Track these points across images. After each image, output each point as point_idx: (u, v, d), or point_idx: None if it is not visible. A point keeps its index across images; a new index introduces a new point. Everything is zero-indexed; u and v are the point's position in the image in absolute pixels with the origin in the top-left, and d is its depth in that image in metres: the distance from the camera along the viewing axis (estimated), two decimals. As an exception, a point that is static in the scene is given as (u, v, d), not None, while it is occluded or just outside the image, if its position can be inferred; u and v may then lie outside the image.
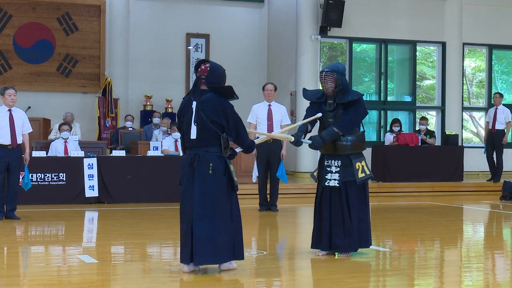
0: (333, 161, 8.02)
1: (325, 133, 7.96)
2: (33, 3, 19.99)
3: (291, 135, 8.05)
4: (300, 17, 19.55)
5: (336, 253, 8.03)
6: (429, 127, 18.67)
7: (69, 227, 11.04)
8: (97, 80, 20.33)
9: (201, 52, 21.46)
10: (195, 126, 6.95)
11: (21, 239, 9.83)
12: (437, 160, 17.62)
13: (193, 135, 6.97)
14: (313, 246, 8.22)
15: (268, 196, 12.99)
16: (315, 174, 8.28)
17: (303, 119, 8.20)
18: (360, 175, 7.97)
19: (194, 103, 7.00)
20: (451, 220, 12.36)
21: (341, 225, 7.93)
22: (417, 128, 18.93)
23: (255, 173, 12.78)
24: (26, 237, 10.03)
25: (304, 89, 8.42)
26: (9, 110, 11.38)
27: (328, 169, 8.03)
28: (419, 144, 17.66)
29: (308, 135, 8.17)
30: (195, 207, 6.87)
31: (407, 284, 6.75)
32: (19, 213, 11.54)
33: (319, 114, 8.07)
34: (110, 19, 20.51)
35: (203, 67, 7.10)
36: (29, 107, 18.52)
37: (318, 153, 19.60)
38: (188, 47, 21.37)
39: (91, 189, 13.97)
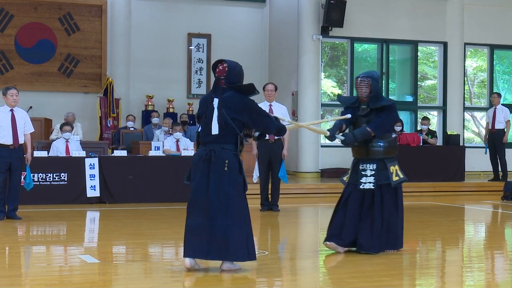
0: (368, 164, 8.20)
1: (357, 131, 8.15)
2: (35, 3, 20.00)
3: (326, 130, 8.27)
4: (301, 17, 19.55)
5: (360, 252, 8.12)
6: (430, 127, 18.67)
7: (70, 227, 11.05)
8: (98, 80, 20.34)
9: (203, 52, 21.47)
10: (217, 124, 6.98)
11: (22, 239, 9.84)
12: (439, 160, 17.62)
13: (215, 131, 7.00)
14: (328, 239, 8.30)
15: (269, 196, 12.98)
16: (345, 178, 8.47)
17: (342, 113, 8.48)
18: (395, 178, 8.15)
19: (216, 100, 7.05)
20: (453, 220, 12.36)
21: (370, 226, 8.07)
22: (418, 128, 18.94)
23: (256, 173, 12.78)
24: (27, 237, 10.04)
25: (339, 95, 8.68)
26: (11, 110, 11.39)
27: (363, 172, 8.20)
28: (421, 144, 17.66)
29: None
30: (211, 204, 6.89)
31: (409, 284, 6.75)
32: (20, 213, 11.54)
33: (348, 115, 8.25)
34: (112, 19, 20.52)
35: (220, 67, 7.16)
36: (31, 107, 18.52)
37: (319, 153, 19.68)
38: (190, 47, 21.38)
39: (92, 189, 13.98)
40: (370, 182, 8.14)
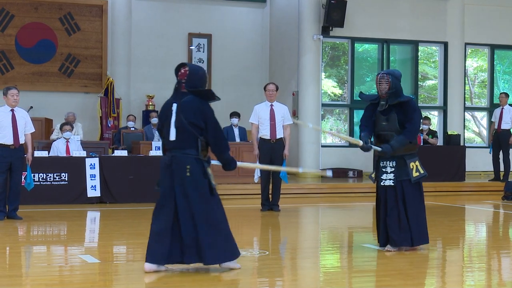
0: (388, 162, 8.32)
1: (394, 142, 8.23)
2: (35, 3, 20.00)
3: (360, 140, 8.35)
4: (302, 17, 19.55)
5: (394, 248, 8.22)
6: (431, 127, 18.66)
7: (71, 227, 11.05)
8: (99, 80, 20.35)
9: (203, 52, 21.47)
10: (175, 128, 6.94)
11: (23, 239, 9.84)
12: (439, 160, 17.60)
13: (172, 136, 6.97)
14: (382, 245, 8.43)
15: (270, 196, 12.97)
16: (373, 175, 8.56)
17: (362, 118, 8.57)
18: (415, 174, 8.28)
19: (175, 105, 7.00)
20: (453, 220, 12.36)
21: (397, 221, 8.21)
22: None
23: (257, 173, 12.78)
24: (28, 237, 10.04)
25: (360, 92, 8.85)
26: (12, 110, 11.39)
27: (384, 169, 8.34)
28: (421, 144, 17.64)
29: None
30: (178, 210, 6.87)
31: (410, 284, 6.75)
32: (21, 213, 11.54)
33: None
34: (112, 19, 20.52)
35: (182, 70, 7.08)
36: (31, 107, 18.51)
37: (320, 153, 19.67)
38: (190, 47, 21.38)
39: (93, 189, 13.98)
40: (390, 179, 8.28)
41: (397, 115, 8.28)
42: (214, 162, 7.19)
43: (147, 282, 6.75)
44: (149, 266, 6.96)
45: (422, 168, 8.35)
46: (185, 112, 6.90)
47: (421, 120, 8.60)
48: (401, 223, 8.18)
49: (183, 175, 6.87)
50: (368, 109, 8.55)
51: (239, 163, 7.40)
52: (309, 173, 7.16)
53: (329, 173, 8.42)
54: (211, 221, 6.90)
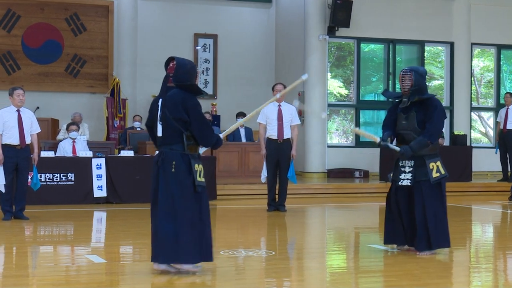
0: (407, 161, 8.15)
1: (414, 143, 8.07)
2: (41, 3, 20.04)
3: (377, 137, 8.23)
4: (308, 17, 19.54)
5: (417, 253, 8.11)
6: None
7: (77, 227, 11.05)
8: (105, 81, 20.37)
9: (209, 52, 21.47)
10: (160, 124, 6.91)
11: (30, 239, 9.85)
12: (446, 161, 17.24)
13: (159, 132, 6.93)
14: (386, 242, 8.34)
15: (276, 196, 12.96)
16: (391, 175, 8.39)
17: (384, 118, 8.47)
18: (435, 174, 8.10)
19: (160, 101, 6.96)
20: (460, 221, 12.33)
21: (414, 224, 8.06)
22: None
23: (263, 173, 12.75)
24: (35, 237, 10.05)
25: (385, 90, 8.64)
26: (18, 110, 11.39)
27: (402, 169, 8.18)
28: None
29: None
30: (159, 206, 6.84)
31: (416, 285, 6.73)
32: (28, 213, 11.55)
33: (305, 76, 8.04)
34: (118, 20, 20.54)
35: (171, 64, 7.02)
36: (38, 108, 18.55)
37: (326, 154, 19.66)
38: (196, 47, 21.39)
39: (99, 189, 13.99)
40: (408, 179, 8.10)
41: (418, 114, 8.11)
42: (202, 150, 7.10)
43: (154, 282, 6.74)
44: (155, 265, 6.98)
45: (443, 169, 8.17)
46: (168, 106, 6.84)
47: (443, 120, 8.32)
48: (418, 226, 8.02)
49: (168, 171, 6.82)
50: (390, 109, 8.42)
51: (221, 135, 7.27)
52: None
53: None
54: (191, 220, 6.80)
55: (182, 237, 6.75)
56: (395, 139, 8.39)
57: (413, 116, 8.12)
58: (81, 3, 20.36)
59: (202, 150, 7.14)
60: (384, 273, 7.31)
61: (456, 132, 19.34)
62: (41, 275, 7.17)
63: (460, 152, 18.04)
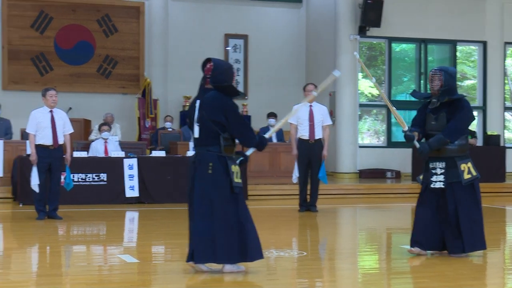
0: (437, 163, 8.02)
1: (432, 140, 7.97)
2: (73, 5, 20.19)
3: (407, 125, 8.10)
4: (338, 17, 19.49)
5: (450, 254, 8.02)
6: (470, 128, 18.46)
7: (110, 227, 11.12)
8: (136, 81, 20.47)
9: (240, 52, 21.50)
10: (197, 125, 6.92)
11: (63, 239, 9.92)
12: (479, 161, 17.21)
13: (196, 133, 6.95)
14: (412, 245, 8.16)
15: (308, 196, 12.94)
16: (420, 177, 8.25)
17: (413, 118, 8.32)
18: (466, 176, 7.96)
19: (198, 102, 6.98)
20: (494, 222, 12.21)
21: (448, 227, 7.93)
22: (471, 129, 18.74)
23: (295, 173, 12.73)
24: (68, 237, 10.12)
25: (414, 90, 8.52)
26: (51, 111, 11.48)
27: (433, 171, 8.03)
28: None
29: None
30: (195, 207, 6.86)
31: (449, 286, 6.68)
32: (61, 213, 11.64)
33: (337, 72, 7.95)
34: (149, 21, 20.64)
35: (208, 66, 7.02)
36: (70, 108, 18.68)
37: (358, 154, 19.60)
38: (227, 48, 21.42)
39: (131, 189, 14.06)
40: (440, 181, 7.95)
41: (448, 115, 7.98)
42: (249, 152, 7.15)
43: (186, 282, 6.76)
44: (196, 266, 7.01)
45: (474, 170, 8.01)
46: (206, 109, 6.86)
47: (472, 122, 8.12)
48: (452, 229, 7.90)
49: (205, 172, 6.84)
50: (420, 109, 8.28)
51: (266, 135, 7.29)
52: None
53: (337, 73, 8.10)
54: (229, 221, 6.83)
55: (219, 237, 6.77)
56: (424, 138, 8.27)
57: (443, 117, 8.01)
58: (113, 4, 20.49)
59: (249, 151, 7.17)
60: (416, 274, 7.27)
61: (489, 132, 19.18)
62: (74, 274, 7.22)
63: (493, 153, 17.88)
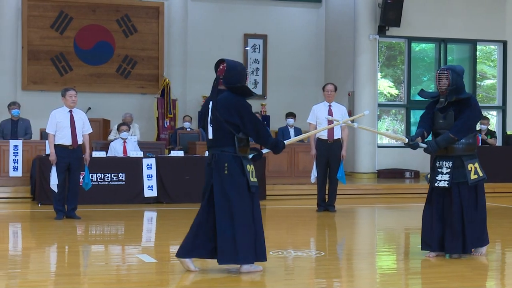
0: (444, 162, 7.95)
1: (440, 139, 7.90)
2: (93, 5, 20.27)
3: (406, 137, 8.00)
4: (358, 17, 19.45)
5: (446, 255, 7.95)
6: (489, 127, 18.39)
7: (128, 227, 11.16)
8: (155, 81, 20.52)
9: (259, 52, 21.49)
10: (211, 126, 6.94)
11: (81, 238, 9.96)
12: (498, 161, 17.32)
13: (210, 135, 6.98)
14: (424, 248, 8.12)
15: (326, 196, 12.92)
16: (428, 176, 8.18)
17: (421, 116, 8.24)
18: (473, 176, 7.88)
19: (211, 103, 6.99)
20: (513, 222, 12.17)
21: (450, 227, 7.86)
22: (477, 128, 18.67)
23: (313, 173, 12.71)
24: (86, 236, 10.16)
25: (421, 89, 8.42)
26: (70, 111, 11.53)
27: (439, 170, 7.97)
28: (480, 144, 17.40)
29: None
30: (216, 208, 6.87)
31: (468, 287, 6.65)
32: (79, 213, 11.69)
33: (367, 112, 8.04)
34: (169, 21, 20.68)
35: (221, 66, 7.04)
36: (89, 108, 18.76)
37: (376, 154, 19.54)
38: (246, 48, 21.42)
39: (150, 189, 14.09)
40: (445, 180, 7.88)
41: (455, 113, 7.90)
42: (265, 150, 7.18)
43: (204, 282, 6.76)
44: (190, 264, 7.05)
45: (481, 171, 7.92)
46: (220, 109, 6.88)
47: (479, 120, 8.02)
48: (454, 229, 7.81)
49: (221, 173, 6.86)
50: (428, 107, 8.19)
51: (286, 141, 7.31)
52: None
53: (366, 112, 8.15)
54: (248, 220, 6.86)
55: (240, 237, 6.80)
56: (433, 138, 8.19)
57: (451, 116, 7.92)
58: (132, 5, 20.56)
59: (265, 150, 7.19)
60: (435, 274, 7.23)
61: (509, 132, 19.08)
62: (93, 274, 7.25)
63: (513, 153, 17.78)
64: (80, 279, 6.98)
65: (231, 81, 6.94)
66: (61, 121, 11.40)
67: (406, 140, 7.93)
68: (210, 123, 6.96)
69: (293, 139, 7.72)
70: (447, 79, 7.91)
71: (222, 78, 6.97)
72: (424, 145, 7.95)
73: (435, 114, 8.07)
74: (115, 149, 14.59)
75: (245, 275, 6.87)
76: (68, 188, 11.55)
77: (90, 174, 12.32)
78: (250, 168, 6.93)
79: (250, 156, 7.04)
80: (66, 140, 11.40)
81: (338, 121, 9.17)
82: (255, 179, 6.96)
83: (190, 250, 6.96)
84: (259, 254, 6.94)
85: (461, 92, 7.94)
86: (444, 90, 7.94)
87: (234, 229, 6.80)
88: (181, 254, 7.01)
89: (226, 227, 6.82)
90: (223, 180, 6.85)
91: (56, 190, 11.41)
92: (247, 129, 6.87)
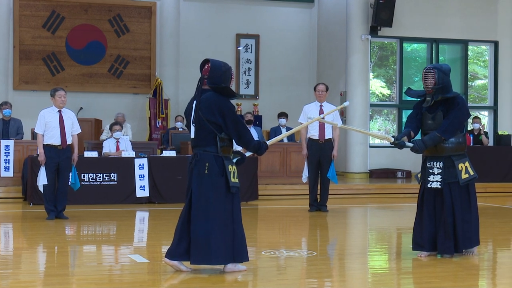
0: (435, 162, 7.94)
1: (427, 138, 7.89)
2: (85, 5, 20.23)
3: (391, 136, 7.98)
4: (350, 17, 19.46)
5: (438, 255, 7.95)
6: (482, 128, 18.45)
7: (120, 227, 11.14)
8: (148, 81, 20.50)
9: (251, 52, 21.49)
10: (194, 126, 6.95)
11: (73, 239, 9.94)
12: (490, 161, 17.37)
13: (192, 134, 6.99)
14: (415, 248, 8.11)
15: (318, 196, 12.93)
16: (419, 176, 8.19)
17: (408, 115, 8.23)
18: (464, 175, 7.88)
19: (195, 102, 7.00)
20: (504, 222, 12.19)
21: (443, 228, 7.85)
22: (469, 128, 18.72)
23: (305, 173, 12.73)
24: (78, 237, 10.14)
25: (409, 88, 8.38)
26: (59, 111, 11.50)
27: (431, 170, 7.96)
28: (471, 144, 17.45)
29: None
30: (192, 208, 6.88)
31: (460, 286, 6.67)
32: (71, 213, 11.67)
33: (346, 103, 8.07)
34: (161, 21, 20.67)
35: (206, 66, 7.04)
36: (81, 108, 18.74)
37: (368, 154, 19.55)
38: (238, 48, 21.42)
39: (142, 189, 14.07)
40: (437, 181, 7.88)
41: (443, 113, 7.89)
42: (248, 153, 7.19)
43: (195, 282, 6.76)
44: (165, 260, 7.07)
45: (472, 170, 7.92)
46: (202, 109, 6.89)
47: (467, 119, 7.98)
48: (446, 229, 7.81)
49: (202, 172, 6.87)
50: (415, 107, 8.17)
51: (269, 142, 7.32)
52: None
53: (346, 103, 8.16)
54: (225, 221, 6.86)
55: (214, 238, 6.80)
56: (420, 136, 8.18)
57: (440, 116, 7.91)
58: (124, 5, 20.53)
59: (248, 153, 7.19)
60: (427, 274, 7.24)
61: (500, 132, 19.12)
62: (84, 274, 7.23)
63: (504, 153, 17.83)
64: (72, 280, 6.96)
65: (215, 81, 6.95)
66: (50, 121, 11.37)
67: (392, 139, 7.92)
68: (192, 123, 6.97)
69: (275, 138, 7.69)
70: (433, 78, 7.91)
71: (207, 78, 6.98)
72: (411, 144, 7.93)
73: (424, 115, 8.05)
74: (109, 148, 14.55)
75: (235, 274, 6.87)
76: (57, 188, 11.50)
77: (82, 174, 12.29)
78: (232, 168, 6.93)
79: (234, 160, 7.04)
80: (55, 140, 11.37)
81: (321, 118, 9.19)
82: (237, 180, 6.97)
83: (177, 253, 6.97)
84: (238, 255, 6.92)
85: (447, 91, 7.93)
86: (430, 89, 7.93)
87: (209, 230, 6.80)
88: (168, 256, 7.01)
89: (200, 227, 6.82)
90: (203, 180, 6.87)
91: (42, 190, 11.39)
92: (229, 130, 6.87)
